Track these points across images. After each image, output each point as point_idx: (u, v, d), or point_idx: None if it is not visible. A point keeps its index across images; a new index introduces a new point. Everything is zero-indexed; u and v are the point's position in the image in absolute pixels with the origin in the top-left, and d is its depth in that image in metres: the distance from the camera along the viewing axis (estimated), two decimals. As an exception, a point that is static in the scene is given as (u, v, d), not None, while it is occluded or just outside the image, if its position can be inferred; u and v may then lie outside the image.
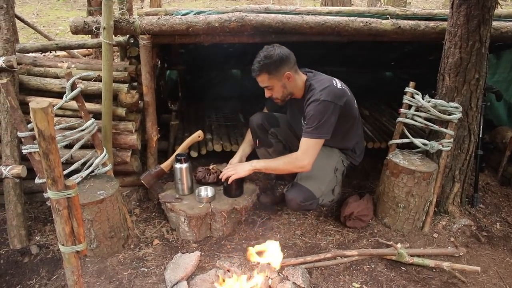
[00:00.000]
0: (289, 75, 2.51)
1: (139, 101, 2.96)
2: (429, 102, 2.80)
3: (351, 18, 2.90)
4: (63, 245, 1.55)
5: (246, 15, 2.76)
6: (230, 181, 2.65)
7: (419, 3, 12.86)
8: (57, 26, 9.25)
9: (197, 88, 4.72)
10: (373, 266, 2.52)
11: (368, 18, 2.93)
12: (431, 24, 2.98)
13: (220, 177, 2.76)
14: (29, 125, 2.36)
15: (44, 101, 1.33)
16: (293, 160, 2.57)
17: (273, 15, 2.84)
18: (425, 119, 2.87)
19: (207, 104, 4.57)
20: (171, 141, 3.55)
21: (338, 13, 3.05)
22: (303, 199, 2.61)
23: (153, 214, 3.01)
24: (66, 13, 10.63)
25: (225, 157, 3.30)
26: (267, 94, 2.64)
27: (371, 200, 3.00)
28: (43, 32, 6.00)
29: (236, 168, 2.67)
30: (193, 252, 2.52)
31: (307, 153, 2.53)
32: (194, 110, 4.42)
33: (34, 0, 11.62)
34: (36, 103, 1.31)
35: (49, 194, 1.45)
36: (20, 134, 2.35)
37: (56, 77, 2.90)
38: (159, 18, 2.76)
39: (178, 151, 2.96)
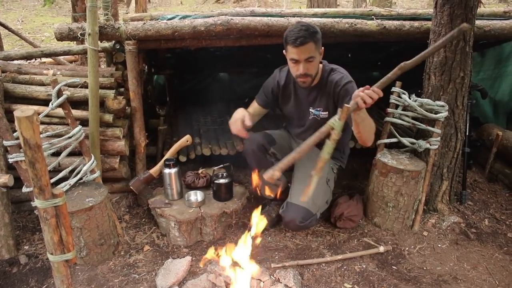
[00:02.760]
0: (322, 51, 2.45)
1: (126, 107, 2.94)
2: (415, 101, 2.82)
3: (337, 20, 2.92)
4: (52, 254, 1.53)
5: (231, 19, 2.77)
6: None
7: (404, 2, 12.99)
8: (43, 32, 9.18)
9: (185, 92, 4.72)
10: (364, 266, 2.53)
11: (354, 19, 2.95)
12: (416, 24, 3.01)
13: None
14: (15, 134, 2.33)
15: (29, 109, 1.31)
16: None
17: (258, 18, 2.84)
18: (412, 118, 2.90)
19: (195, 108, 4.56)
20: (159, 146, 3.54)
21: (323, 15, 3.07)
22: (301, 218, 2.53)
23: (143, 220, 2.98)
24: (51, 19, 10.56)
25: (214, 161, 3.30)
26: (303, 69, 2.41)
27: (361, 200, 3.02)
28: (28, 39, 5.97)
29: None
30: (184, 257, 2.51)
31: None
32: (182, 115, 4.40)
33: (19, 7, 11.54)
34: (21, 111, 1.30)
35: (37, 203, 1.43)
36: (5, 143, 2.32)
37: (42, 84, 2.87)
38: (144, 23, 2.75)
39: (167, 156, 2.96)
